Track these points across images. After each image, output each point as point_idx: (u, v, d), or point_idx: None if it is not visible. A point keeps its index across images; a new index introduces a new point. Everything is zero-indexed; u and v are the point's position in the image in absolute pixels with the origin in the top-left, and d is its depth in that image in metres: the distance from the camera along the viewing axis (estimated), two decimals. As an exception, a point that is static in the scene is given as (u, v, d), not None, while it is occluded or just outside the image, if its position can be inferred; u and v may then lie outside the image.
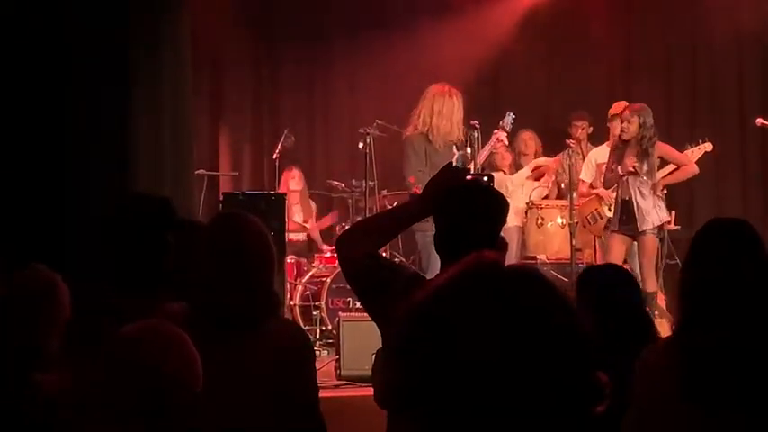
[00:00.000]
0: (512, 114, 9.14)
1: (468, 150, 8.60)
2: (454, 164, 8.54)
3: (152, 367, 2.71)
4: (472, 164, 8.43)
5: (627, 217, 8.41)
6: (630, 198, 8.37)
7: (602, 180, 8.96)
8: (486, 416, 1.40)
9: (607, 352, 3.38)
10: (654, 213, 8.35)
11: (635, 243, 8.49)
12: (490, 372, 1.40)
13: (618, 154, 8.52)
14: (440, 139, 8.44)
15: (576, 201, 9.03)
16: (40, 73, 6.44)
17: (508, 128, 9.14)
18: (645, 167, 8.36)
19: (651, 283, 8.29)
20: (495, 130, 9.10)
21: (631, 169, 8.31)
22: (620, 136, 8.50)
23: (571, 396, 1.43)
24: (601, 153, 9.17)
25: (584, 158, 9.58)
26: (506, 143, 9.30)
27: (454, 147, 8.67)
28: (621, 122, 8.48)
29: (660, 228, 8.41)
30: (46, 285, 3.69)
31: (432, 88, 8.69)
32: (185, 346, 2.78)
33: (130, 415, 2.72)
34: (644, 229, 8.32)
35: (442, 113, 8.51)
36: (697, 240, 3.17)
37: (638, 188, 8.37)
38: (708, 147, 9.32)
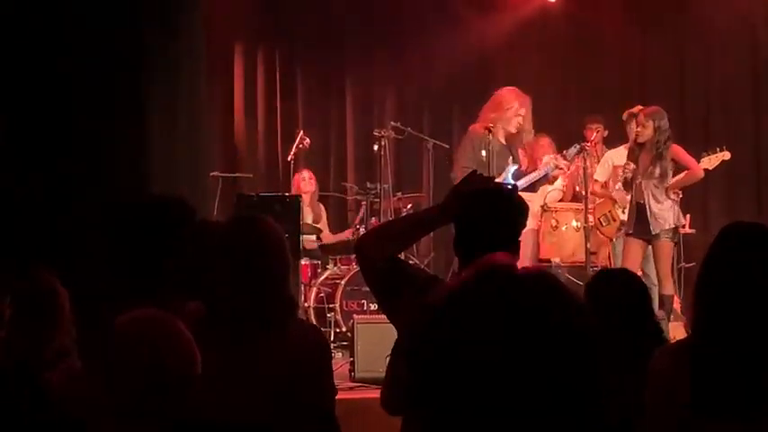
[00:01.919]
0: (577, 146, 9.18)
1: (483, 153, 8.64)
2: (505, 175, 8.78)
3: (148, 353, 2.73)
4: (488, 168, 8.48)
5: (640, 220, 8.40)
6: (644, 201, 8.36)
7: (617, 182, 8.94)
8: (494, 416, 1.41)
9: (616, 357, 3.39)
10: (668, 216, 8.33)
11: (650, 246, 8.47)
12: (499, 373, 1.40)
13: (633, 157, 8.51)
14: (508, 140, 8.65)
15: (589, 198, 9.07)
16: (53, 73, 6.46)
17: (570, 158, 9.21)
18: (658, 170, 8.35)
19: (668, 287, 8.29)
20: (558, 155, 9.23)
21: (628, 170, 8.39)
22: (635, 139, 8.49)
23: (579, 397, 1.43)
24: (618, 155, 9.14)
25: (599, 161, 9.55)
26: (565, 171, 9.44)
27: (510, 158, 8.83)
28: (636, 126, 8.48)
29: (675, 231, 8.40)
30: (47, 291, 3.73)
31: (503, 92, 8.87)
32: (180, 333, 2.80)
33: (131, 404, 2.74)
34: (657, 232, 8.31)
35: (515, 117, 8.75)
36: (714, 245, 3.15)
37: (652, 191, 8.36)
38: (725, 155, 9.26)
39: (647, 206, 8.34)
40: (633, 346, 3.76)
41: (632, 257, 8.41)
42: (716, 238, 3.17)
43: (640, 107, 8.91)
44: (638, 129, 8.42)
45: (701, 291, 3.10)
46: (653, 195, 8.36)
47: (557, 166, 9.23)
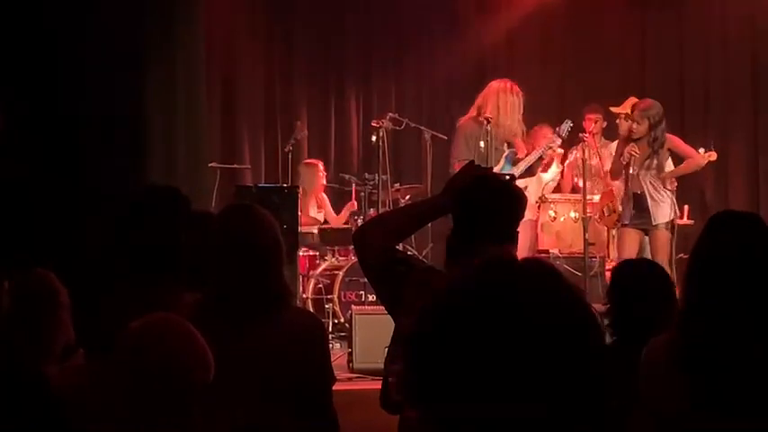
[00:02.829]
0: (569, 122, 9.14)
1: (482, 144, 8.62)
2: (503, 161, 8.72)
3: (162, 362, 2.72)
4: (486, 159, 8.46)
5: (638, 211, 8.39)
6: (642, 192, 8.35)
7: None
8: (497, 411, 1.40)
9: (637, 345, 3.36)
10: (666, 207, 8.34)
11: (646, 237, 8.47)
12: (503, 367, 1.40)
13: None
14: (500, 134, 8.57)
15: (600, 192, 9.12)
16: (55, 66, 6.46)
17: (564, 134, 9.16)
18: (655, 162, 8.35)
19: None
20: (551, 134, 9.17)
21: (633, 153, 8.31)
22: (629, 135, 8.46)
23: (583, 392, 1.43)
24: None
25: (597, 152, 9.54)
26: (559, 151, 9.40)
27: (505, 144, 8.78)
28: (631, 122, 8.43)
29: (671, 223, 8.40)
30: (48, 292, 3.73)
31: (494, 84, 8.82)
32: (195, 339, 2.79)
33: (141, 411, 2.73)
34: (657, 223, 8.31)
35: (506, 110, 8.65)
36: (704, 233, 3.14)
37: (650, 182, 8.35)
38: (712, 156, 9.28)
39: (647, 197, 8.33)
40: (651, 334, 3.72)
41: (629, 248, 8.39)
42: (706, 226, 3.16)
43: (634, 99, 8.91)
44: (633, 125, 8.38)
45: (691, 279, 3.09)
46: (652, 186, 8.36)
47: (549, 147, 9.17)
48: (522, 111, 8.81)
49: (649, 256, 8.47)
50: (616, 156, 8.67)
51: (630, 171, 8.38)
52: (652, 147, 8.33)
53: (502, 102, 8.70)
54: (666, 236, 8.35)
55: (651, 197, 8.33)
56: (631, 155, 8.38)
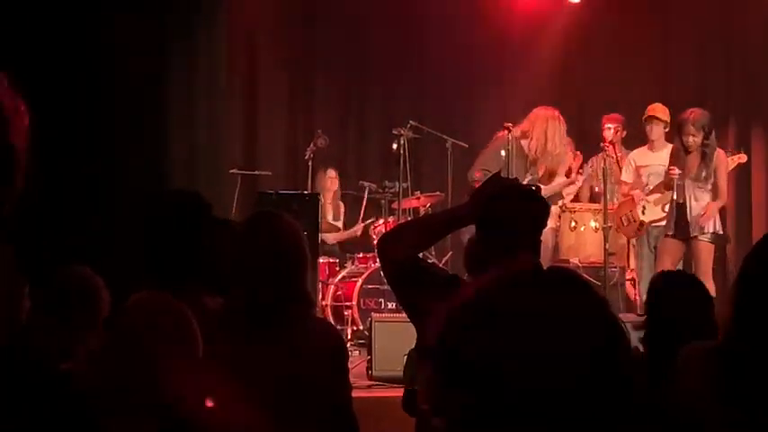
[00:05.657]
0: (591, 166, 9.35)
1: (503, 153, 8.63)
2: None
3: (147, 327, 2.76)
4: (507, 168, 8.48)
5: (682, 221, 8.39)
6: (685, 202, 8.35)
7: (640, 183, 8.92)
8: (526, 416, 1.41)
9: (669, 357, 3.33)
10: (709, 219, 8.35)
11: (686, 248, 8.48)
12: (532, 373, 1.40)
13: (679, 161, 8.46)
14: (546, 163, 8.70)
15: (619, 200, 9.08)
16: (78, 71, 6.48)
17: (585, 176, 9.31)
18: (704, 173, 8.35)
19: (710, 289, 8.31)
20: (571, 154, 9.29)
21: (673, 175, 8.35)
22: (684, 145, 8.43)
23: (611, 395, 1.43)
24: (639, 155, 9.15)
25: (617, 161, 9.52)
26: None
27: (527, 160, 8.83)
28: (687, 135, 8.37)
29: (717, 235, 8.40)
30: (86, 287, 3.74)
31: (541, 111, 8.89)
32: (181, 314, 2.82)
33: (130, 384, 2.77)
34: (696, 234, 8.31)
35: (554, 139, 8.72)
36: (756, 250, 3.07)
37: (694, 192, 8.34)
38: (742, 158, 9.31)
39: (689, 207, 8.34)
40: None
41: (669, 258, 8.35)
42: (758, 244, 3.09)
43: (661, 105, 8.90)
44: (691, 139, 8.36)
45: (742, 297, 3.00)
46: (694, 197, 8.36)
47: (570, 183, 9.32)
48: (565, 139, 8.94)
49: (690, 268, 8.47)
50: (669, 169, 8.64)
51: (678, 182, 8.40)
52: (704, 157, 8.34)
53: (551, 131, 8.78)
54: (707, 247, 8.36)
55: (693, 208, 8.33)
56: (672, 177, 8.42)
